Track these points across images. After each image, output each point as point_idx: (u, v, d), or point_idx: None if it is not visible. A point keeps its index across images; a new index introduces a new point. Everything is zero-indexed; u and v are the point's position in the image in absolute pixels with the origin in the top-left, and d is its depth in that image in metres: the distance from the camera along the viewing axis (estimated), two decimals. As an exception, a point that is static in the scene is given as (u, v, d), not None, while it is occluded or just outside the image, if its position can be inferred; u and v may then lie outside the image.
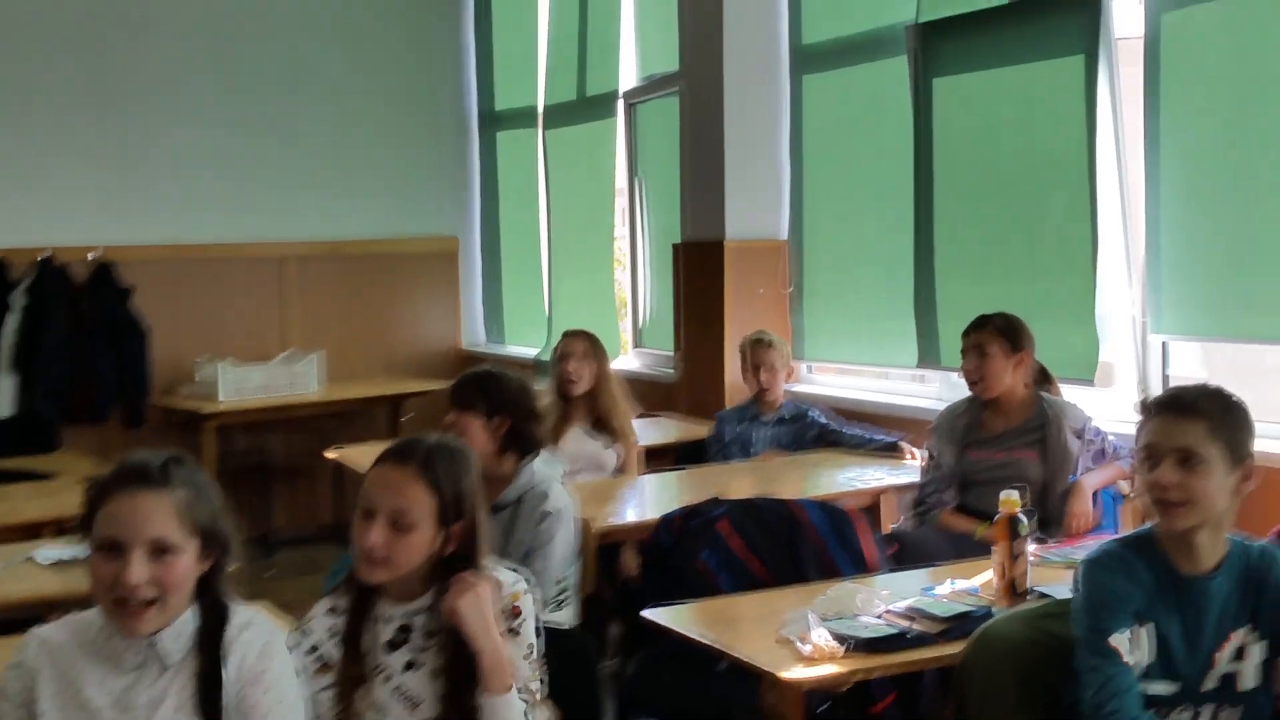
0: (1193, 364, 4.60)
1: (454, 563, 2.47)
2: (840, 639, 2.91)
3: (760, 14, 6.22)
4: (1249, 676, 2.53)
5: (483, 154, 8.89)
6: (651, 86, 7.22)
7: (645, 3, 7.24)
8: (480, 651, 2.38)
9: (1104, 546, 2.61)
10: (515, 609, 2.50)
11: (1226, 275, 4.47)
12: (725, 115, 6.21)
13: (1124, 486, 4.36)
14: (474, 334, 9.04)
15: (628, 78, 7.40)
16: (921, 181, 5.46)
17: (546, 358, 6.76)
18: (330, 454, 5.92)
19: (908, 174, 5.52)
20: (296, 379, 7.31)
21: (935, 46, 5.39)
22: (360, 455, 5.03)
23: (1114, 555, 2.55)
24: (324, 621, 2.50)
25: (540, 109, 8.09)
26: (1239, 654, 2.52)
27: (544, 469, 3.70)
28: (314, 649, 2.46)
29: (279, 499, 7.87)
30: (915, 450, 4.97)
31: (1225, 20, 4.42)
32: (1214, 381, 2.75)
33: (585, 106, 7.67)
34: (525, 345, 8.27)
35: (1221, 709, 2.53)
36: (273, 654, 2.28)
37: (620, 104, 7.40)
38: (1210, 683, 2.52)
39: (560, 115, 7.89)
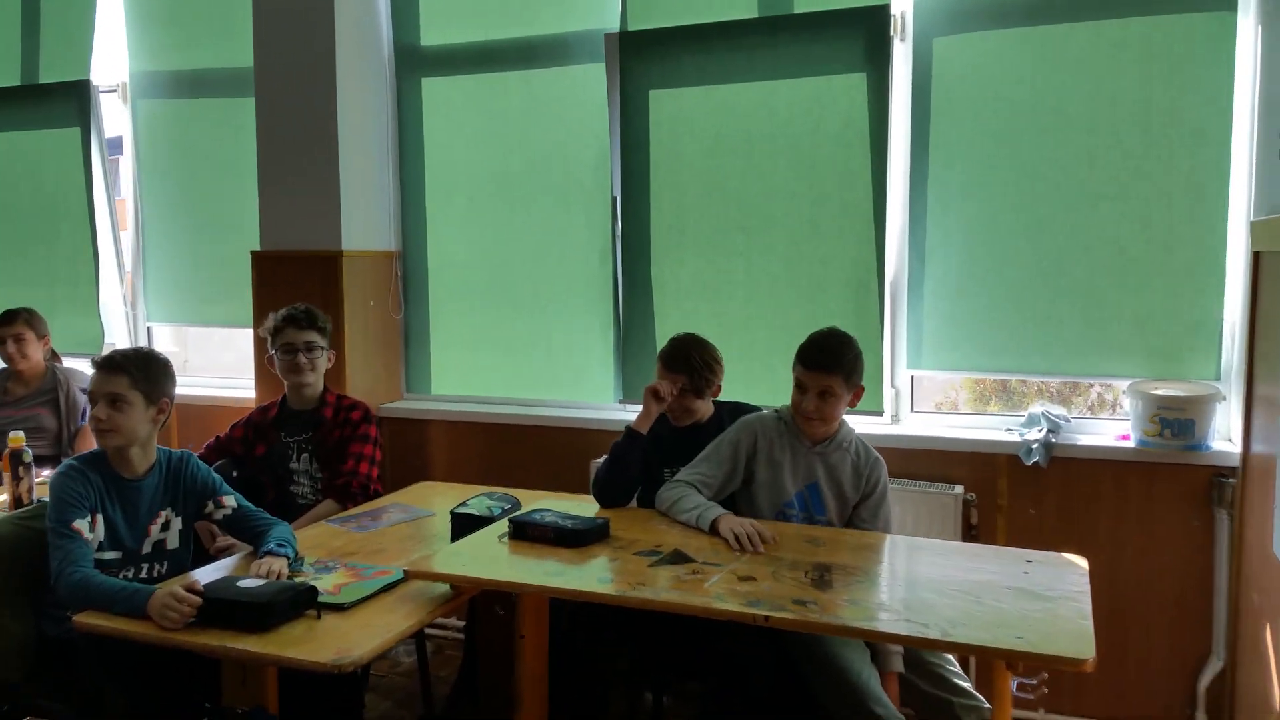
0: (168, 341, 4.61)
1: None
2: None
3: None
4: (173, 540, 2.53)
5: None
6: None
7: None
8: None
9: (66, 463, 2.45)
10: None
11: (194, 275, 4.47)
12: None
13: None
14: None
15: None
16: None
17: None
18: None
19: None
20: None
21: None
22: None
23: (74, 469, 2.41)
24: None
25: None
26: (165, 526, 2.52)
27: None
28: None
29: None
30: None
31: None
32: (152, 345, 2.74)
33: None
34: None
35: (155, 564, 2.50)
36: None
37: None
38: (147, 548, 2.49)
39: None
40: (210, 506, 2.56)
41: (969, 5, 3.31)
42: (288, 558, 2.39)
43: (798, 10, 3.47)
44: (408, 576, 2.28)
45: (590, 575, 2.26)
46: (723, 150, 3.58)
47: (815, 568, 2.30)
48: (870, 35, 3.38)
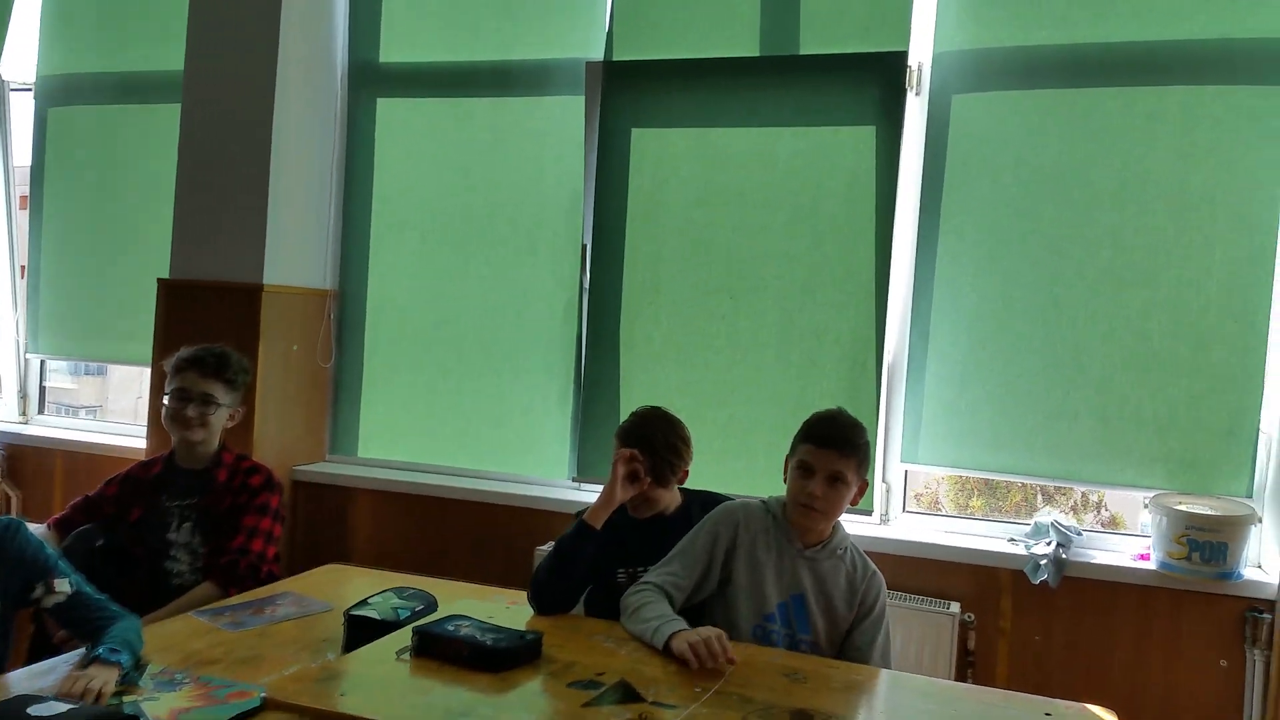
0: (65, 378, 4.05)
1: None
2: None
3: None
4: None
5: None
6: None
7: None
8: None
9: None
10: None
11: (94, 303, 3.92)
12: None
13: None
14: None
15: None
16: None
17: None
18: None
19: None
20: None
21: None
22: None
23: None
24: None
25: None
26: None
27: None
28: None
29: None
30: None
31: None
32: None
33: None
34: None
35: None
36: None
37: None
38: None
39: None
40: (39, 590, 1.99)
41: (994, 63, 2.92)
42: (119, 666, 1.82)
43: (804, 51, 3.04)
44: (264, 706, 1.73)
45: (505, 716, 1.71)
46: (710, 201, 3.12)
47: (793, 716, 1.78)
48: (883, 85, 2.96)
